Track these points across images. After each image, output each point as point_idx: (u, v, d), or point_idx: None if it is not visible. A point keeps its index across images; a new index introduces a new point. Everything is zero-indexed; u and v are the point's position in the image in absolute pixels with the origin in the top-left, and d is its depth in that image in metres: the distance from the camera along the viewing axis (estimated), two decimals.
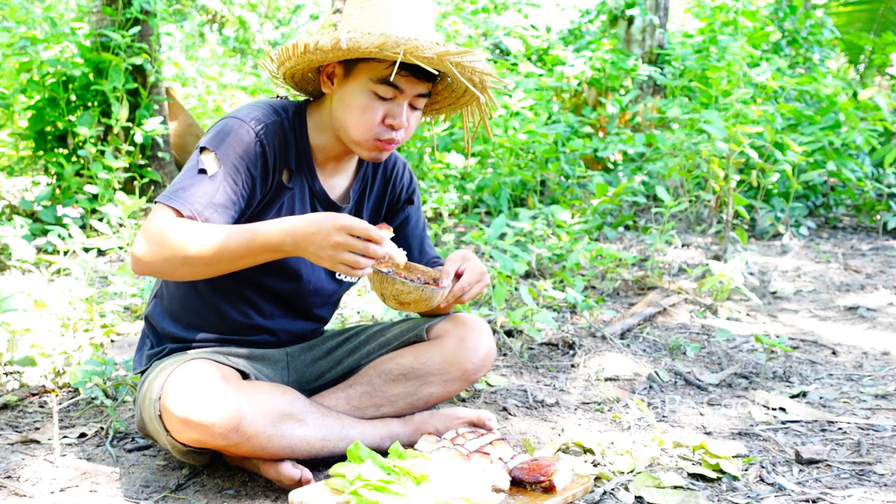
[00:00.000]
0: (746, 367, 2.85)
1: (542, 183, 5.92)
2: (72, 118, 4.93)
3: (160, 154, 5.18)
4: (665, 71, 7.06)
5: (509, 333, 3.06)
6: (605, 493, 1.84)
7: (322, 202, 1.97)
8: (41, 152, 5.14)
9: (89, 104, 4.96)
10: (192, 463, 1.86)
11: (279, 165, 1.88)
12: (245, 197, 1.82)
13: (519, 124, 5.64)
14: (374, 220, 2.10)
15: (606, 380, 2.69)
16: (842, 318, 3.67)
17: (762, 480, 1.95)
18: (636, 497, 1.83)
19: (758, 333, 3.13)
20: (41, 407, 2.31)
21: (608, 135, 6.55)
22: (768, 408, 2.47)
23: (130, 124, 4.94)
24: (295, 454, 1.80)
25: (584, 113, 6.82)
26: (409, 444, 1.95)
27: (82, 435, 2.11)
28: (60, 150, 5.06)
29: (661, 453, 2.07)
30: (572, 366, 2.79)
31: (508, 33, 8.45)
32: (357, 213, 2.07)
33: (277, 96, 2.01)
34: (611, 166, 6.62)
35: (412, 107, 1.87)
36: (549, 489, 1.75)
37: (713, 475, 1.94)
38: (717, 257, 4.55)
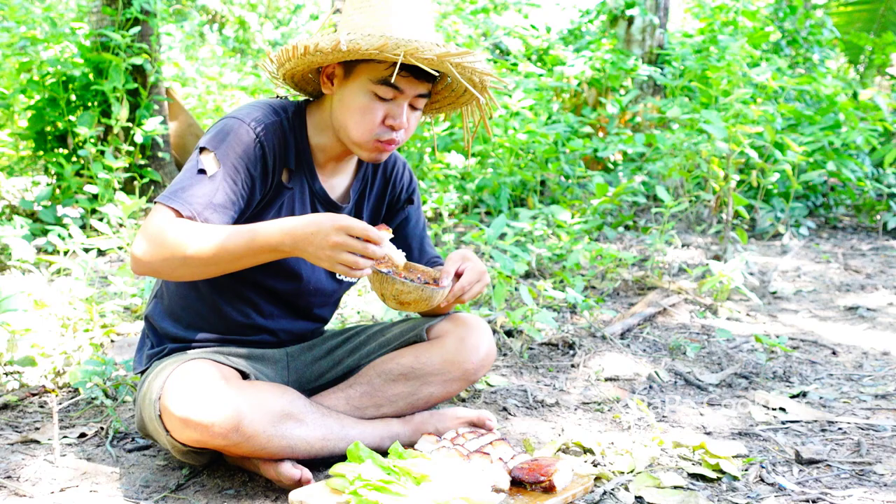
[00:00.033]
0: (746, 367, 2.85)
1: (542, 183, 5.92)
2: (72, 118, 4.92)
3: (160, 154, 5.17)
4: (665, 71, 7.06)
5: (509, 333, 3.06)
6: (605, 493, 1.84)
7: (322, 202, 1.97)
8: (41, 152, 5.14)
9: (89, 104, 4.95)
10: (192, 463, 1.86)
11: (279, 165, 1.88)
12: (245, 197, 1.82)
13: (519, 124, 5.64)
14: (374, 221, 2.10)
15: (606, 380, 2.69)
16: (842, 318, 3.67)
17: (762, 480, 1.95)
18: (636, 497, 1.83)
19: (758, 333, 3.13)
20: (41, 407, 2.31)
21: (608, 135, 6.54)
22: (768, 408, 2.47)
23: (130, 124, 4.93)
24: (295, 454, 1.80)
25: (584, 113, 6.82)
26: (409, 444, 1.95)
27: (82, 435, 2.11)
28: (60, 150, 5.06)
29: (661, 453, 2.07)
30: (572, 366, 2.79)
31: (508, 33, 8.44)
32: (357, 213, 2.07)
33: (277, 96, 2.01)
34: (611, 166, 6.62)
35: (412, 107, 1.87)
36: (549, 489, 1.75)
37: (713, 475, 1.94)
38: (717, 257, 4.54)
